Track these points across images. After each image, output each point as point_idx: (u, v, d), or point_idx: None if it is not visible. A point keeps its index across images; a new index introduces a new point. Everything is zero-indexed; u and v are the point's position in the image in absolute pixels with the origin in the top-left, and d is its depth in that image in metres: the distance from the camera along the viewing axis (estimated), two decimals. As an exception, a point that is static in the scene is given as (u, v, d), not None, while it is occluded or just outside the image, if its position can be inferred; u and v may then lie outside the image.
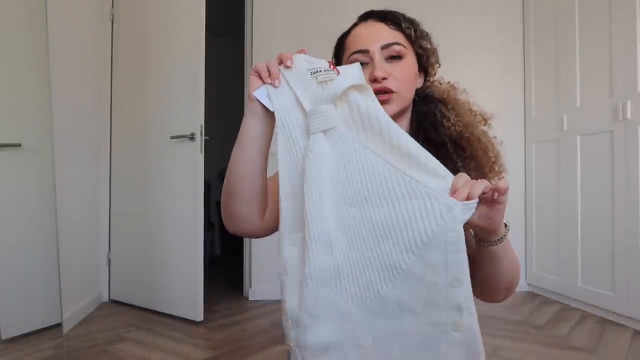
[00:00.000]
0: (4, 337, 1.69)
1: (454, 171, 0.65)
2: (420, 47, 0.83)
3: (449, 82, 0.94)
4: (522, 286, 3.01)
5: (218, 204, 4.69)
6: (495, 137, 0.90)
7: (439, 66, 0.90)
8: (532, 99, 3.01)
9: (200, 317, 2.27)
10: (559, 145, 2.73)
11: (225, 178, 0.78)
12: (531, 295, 2.89)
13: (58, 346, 1.72)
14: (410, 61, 0.82)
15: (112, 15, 2.75)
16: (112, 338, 2.04)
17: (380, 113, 0.67)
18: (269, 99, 0.70)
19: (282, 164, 0.68)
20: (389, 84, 0.78)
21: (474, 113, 0.91)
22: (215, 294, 2.84)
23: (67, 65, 2.22)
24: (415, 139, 0.68)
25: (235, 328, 2.22)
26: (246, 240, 2.87)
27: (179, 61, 2.41)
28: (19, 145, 1.71)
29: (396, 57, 0.80)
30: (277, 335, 2.11)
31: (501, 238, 0.67)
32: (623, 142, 2.25)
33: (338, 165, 0.65)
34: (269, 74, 0.71)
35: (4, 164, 1.70)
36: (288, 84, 0.70)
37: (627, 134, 2.22)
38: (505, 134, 3.37)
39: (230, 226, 0.79)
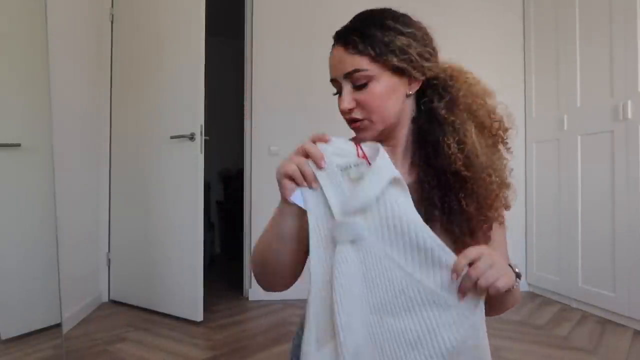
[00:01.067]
0: (3, 337, 1.69)
1: (457, 203, 0.70)
2: (392, 61, 0.73)
3: (461, 73, 0.82)
4: (522, 286, 3.00)
5: (218, 203, 4.69)
6: (507, 160, 0.80)
7: (434, 56, 0.78)
8: (533, 99, 3.00)
9: (200, 317, 2.27)
10: (560, 145, 2.73)
11: (253, 251, 0.81)
12: (531, 296, 2.89)
13: (57, 346, 1.72)
14: (380, 83, 0.74)
15: (112, 15, 2.74)
16: (112, 338, 2.04)
17: (406, 210, 0.67)
18: (303, 199, 0.71)
19: (313, 268, 0.69)
20: (356, 114, 0.77)
21: (487, 129, 0.79)
22: (215, 294, 2.84)
23: (67, 65, 2.22)
24: (417, 164, 0.70)
25: (235, 328, 2.22)
26: (246, 240, 2.87)
27: (178, 61, 2.41)
28: (18, 145, 1.71)
29: (360, 85, 0.75)
30: (277, 335, 2.10)
31: (511, 289, 0.67)
32: (623, 142, 2.24)
33: (364, 274, 0.67)
34: (304, 177, 0.70)
35: (3, 164, 1.70)
36: (320, 186, 0.70)
37: (628, 133, 2.22)
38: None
39: (265, 288, 0.83)
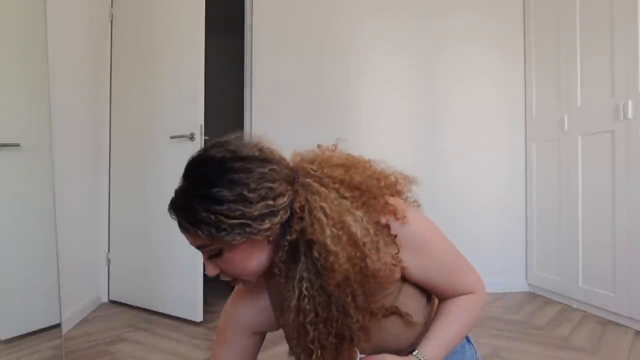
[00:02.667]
0: (3, 338, 1.69)
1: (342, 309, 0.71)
2: (227, 239, 0.68)
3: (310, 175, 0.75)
4: (522, 286, 3.00)
5: (218, 204, 4.69)
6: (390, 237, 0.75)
7: (276, 197, 0.70)
8: (533, 99, 3.00)
9: (199, 317, 2.27)
10: (560, 145, 2.72)
11: None
12: (532, 296, 2.88)
13: (57, 347, 1.71)
14: (232, 251, 0.71)
15: (112, 15, 2.74)
16: (112, 339, 2.04)
17: None
18: None
19: None
20: (225, 277, 0.76)
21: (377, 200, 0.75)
22: (215, 294, 2.83)
23: (67, 64, 2.21)
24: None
25: (235, 328, 2.21)
26: (246, 241, 2.87)
27: (179, 61, 2.41)
28: (17, 145, 1.71)
29: (213, 256, 0.73)
30: (276, 335, 2.10)
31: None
32: (624, 142, 2.24)
33: None
34: None
35: (2, 164, 1.69)
36: None
37: (628, 133, 2.21)
38: (506, 133, 3.39)
39: None
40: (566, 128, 2.66)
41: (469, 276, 0.85)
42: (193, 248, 0.74)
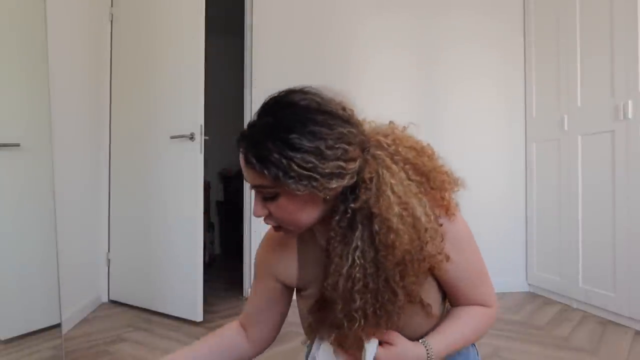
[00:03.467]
0: (3, 338, 1.69)
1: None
2: (291, 187, 0.68)
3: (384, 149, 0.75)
4: (522, 286, 3.00)
5: (218, 203, 4.69)
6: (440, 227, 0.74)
7: (348, 160, 0.69)
8: (533, 99, 3.00)
9: (199, 317, 2.26)
10: (560, 145, 2.72)
11: None
12: (532, 296, 2.88)
13: (57, 347, 1.71)
14: (288, 198, 0.71)
15: (112, 15, 2.74)
16: (112, 338, 2.04)
17: None
18: None
19: None
20: (270, 221, 0.76)
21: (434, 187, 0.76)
22: (214, 294, 2.84)
23: (67, 64, 2.21)
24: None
25: (235, 328, 2.21)
26: (246, 240, 2.87)
27: (179, 61, 2.41)
28: (17, 145, 1.71)
29: (268, 198, 0.73)
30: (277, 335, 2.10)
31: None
32: (624, 142, 2.24)
33: None
34: None
35: (2, 164, 1.69)
36: None
37: (629, 133, 2.21)
38: (506, 133, 3.38)
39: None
40: (566, 128, 2.66)
41: (488, 288, 0.88)
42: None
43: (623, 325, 2.23)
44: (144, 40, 2.59)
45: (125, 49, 2.70)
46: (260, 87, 2.85)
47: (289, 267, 0.91)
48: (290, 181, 0.67)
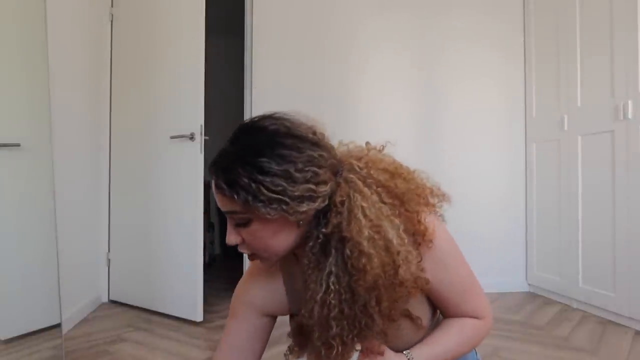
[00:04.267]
0: (3, 338, 1.69)
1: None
2: (262, 211, 0.67)
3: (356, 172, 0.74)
4: (522, 286, 3.00)
5: (218, 204, 4.69)
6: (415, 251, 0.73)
7: (319, 183, 0.69)
8: (533, 99, 3.00)
9: (199, 317, 2.27)
10: (560, 145, 2.72)
11: None
12: (532, 296, 2.88)
13: (57, 347, 1.71)
14: (261, 224, 0.70)
15: (112, 15, 2.74)
16: (112, 339, 2.04)
17: None
18: None
19: None
20: (244, 249, 0.75)
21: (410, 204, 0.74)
22: (214, 294, 2.84)
23: (67, 65, 2.21)
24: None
25: (235, 328, 2.21)
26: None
27: (179, 61, 2.41)
28: (18, 145, 1.71)
29: (240, 224, 0.71)
30: (276, 335, 2.10)
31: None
32: (624, 142, 2.24)
33: None
34: None
35: (3, 164, 1.69)
36: None
37: (629, 134, 2.21)
38: (506, 133, 3.38)
39: None
40: (566, 128, 2.66)
41: (479, 300, 0.85)
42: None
43: (623, 325, 2.23)
44: (144, 40, 2.59)
45: (125, 49, 2.70)
46: (260, 87, 2.85)
47: (278, 297, 0.89)
48: (260, 204, 0.66)
